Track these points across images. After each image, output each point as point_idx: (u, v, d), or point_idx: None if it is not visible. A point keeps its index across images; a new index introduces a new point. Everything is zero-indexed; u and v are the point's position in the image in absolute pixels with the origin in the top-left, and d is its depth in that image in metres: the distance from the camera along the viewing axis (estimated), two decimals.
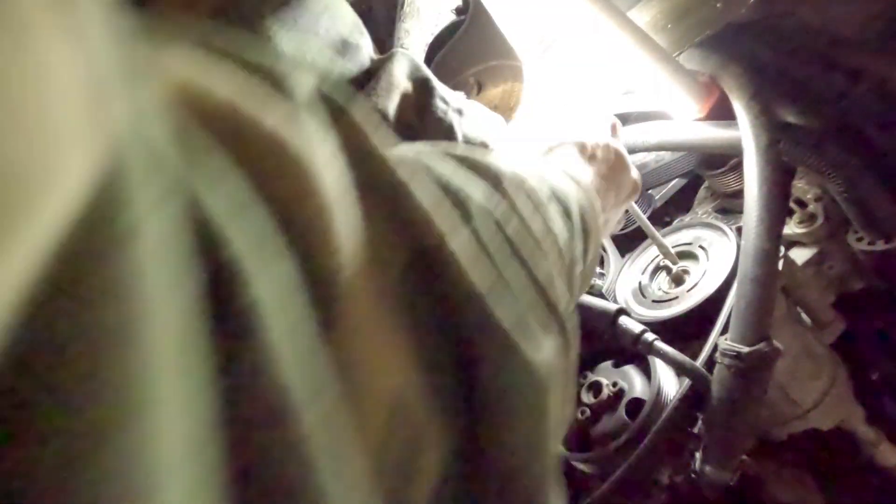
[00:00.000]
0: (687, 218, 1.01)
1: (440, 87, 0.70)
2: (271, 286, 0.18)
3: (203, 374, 0.16)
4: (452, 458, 0.26)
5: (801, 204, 0.85)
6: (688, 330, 0.81)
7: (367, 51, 0.67)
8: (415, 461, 0.24)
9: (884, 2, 0.74)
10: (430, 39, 1.08)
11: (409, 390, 0.24)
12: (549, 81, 1.06)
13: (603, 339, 0.87)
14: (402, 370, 0.24)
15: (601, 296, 0.89)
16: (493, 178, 0.36)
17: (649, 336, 0.74)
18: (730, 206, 0.95)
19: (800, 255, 0.84)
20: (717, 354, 0.70)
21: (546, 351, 0.29)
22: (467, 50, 0.95)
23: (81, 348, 0.13)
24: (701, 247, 0.88)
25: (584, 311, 0.81)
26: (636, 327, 0.76)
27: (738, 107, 0.78)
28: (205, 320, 0.16)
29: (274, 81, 0.23)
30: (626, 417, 0.78)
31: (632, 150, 1.03)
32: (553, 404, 0.30)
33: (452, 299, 0.26)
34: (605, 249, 1.04)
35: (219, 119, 0.20)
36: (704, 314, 0.79)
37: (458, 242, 0.27)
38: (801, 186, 0.86)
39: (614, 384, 0.81)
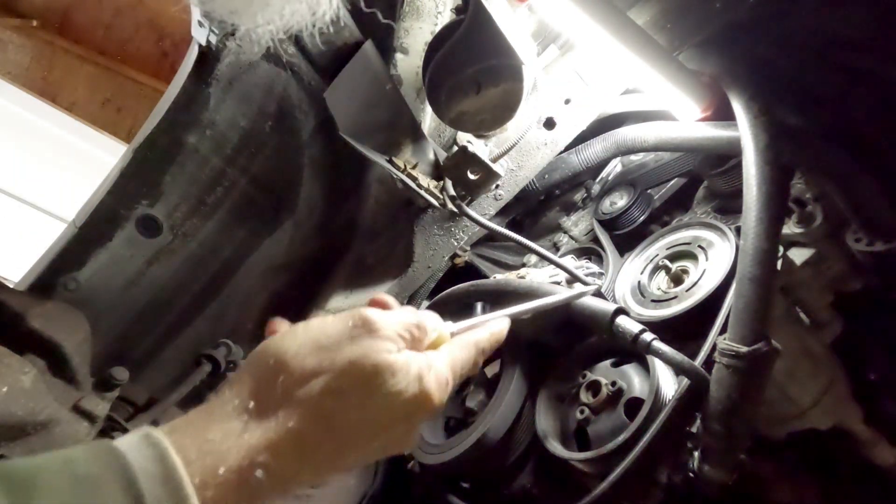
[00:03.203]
0: (686, 217, 1.01)
1: None
2: None
3: None
4: None
5: (800, 204, 0.85)
6: (686, 329, 0.81)
7: None
8: None
9: (883, 2, 0.74)
10: (430, 39, 1.08)
11: None
12: None
13: (602, 339, 0.88)
14: None
15: (600, 295, 0.89)
16: None
17: (648, 335, 0.74)
18: (729, 205, 0.95)
19: (798, 255, 0.84)
20: (716, 354, 0.70)
21: None
22: (467, 49, 0.95)
23: None
24: (700, 246, 0.88)
25: (583, 311, 0.81)
26: (635, 327, 0.76)
27: (738, 107, 0.78)
28: None
29: None
30: (624, 417, 0.78)
31: (631, 150, 1.03)
32: None
33: None
34: (603, 249, 1.04)
35: None
36: (703, 314, 0.79)
37: None
38: (800, 186, 0.86)
39: (613, 383, 0.81)
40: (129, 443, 0.43)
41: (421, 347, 0.56)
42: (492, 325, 0.63)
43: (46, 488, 0.38)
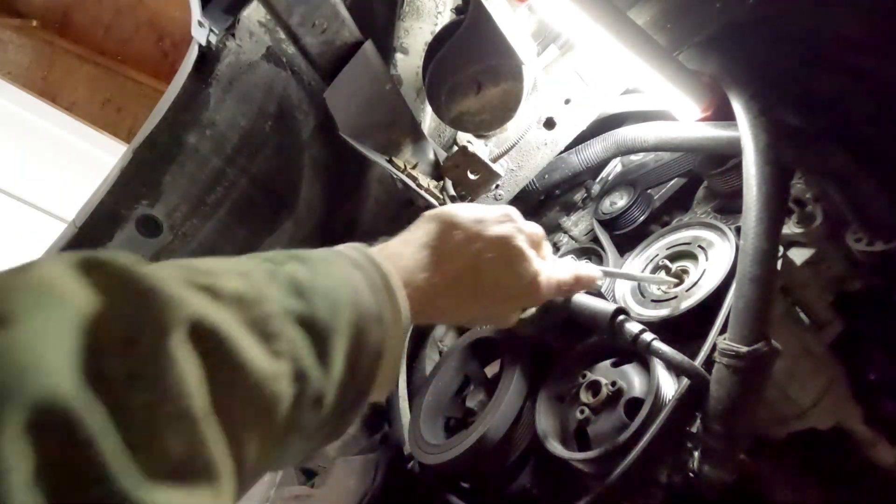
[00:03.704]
0: (686, 217, 1.01)
1: None
2: None
3: None
4: None
5: (800, 204, 0.85)
6: (686, 329, 0.81)
7: None
8: None
9: (883, 2, 0.74)
10: (430, 39, 1.08)
11: None
12: None
13: (602, 339, 0.88)
14: None
15: (600, 295, 0.89)
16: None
17: (648, 335, 0.74)
18: (729, 205, 0.95)
19: (798, 255, 0.84)
20: (716, 354, 0.70)
21: None
22: (467, 49, 0.95)
23: None
24: (700, 246, 0.88)
25: (583, 311, 0.81)
26: (635, 327, 0.76)
27: (738, 107, 0.78)
28: None
29: None
30: (624, 417, 0.78)
31: (631, 150, 1.03)
32: None
33: None
34: (603, 249, 1.04)
35: None
36: (703, 314, 0.79)
37: None
38: (800, 186, 0.86)
39: (613, 384, 0.81)
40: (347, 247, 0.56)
41: (538, 252, 0.70)
42: (589, 268, 0.77)
43: (314, 257, 0.51)
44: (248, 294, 0.41)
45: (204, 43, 1.08)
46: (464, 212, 0.65)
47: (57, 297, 0.32)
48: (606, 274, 0.78)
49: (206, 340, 0.37)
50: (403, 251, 0.60)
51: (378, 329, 0.51)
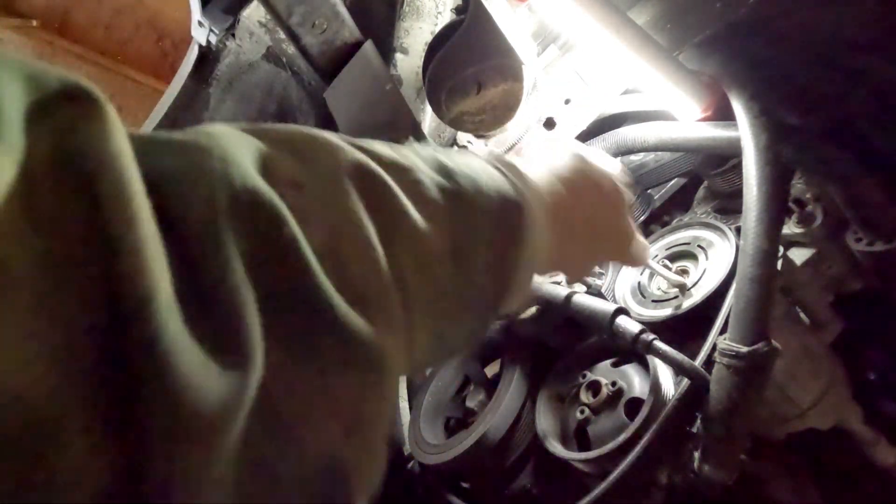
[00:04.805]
0: (686, 217, 1.01)
1: None
2: None
3: None
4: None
5: (800, 204, 0.85)
6: (687, 329, 0.81)
7: None
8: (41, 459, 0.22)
9: (884, 2, 0.74)
10: (430, 39, 1.08)
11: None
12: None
13: (602, 339, 0.88)
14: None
15: (600, 295, 0.89)
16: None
17: (648, 335, 0.74)
18: (729, 205, 0.95)
19: (799, 255, 0.84)
20: (716, 354, 0.70)
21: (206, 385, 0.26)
22: (467, 49, 0.95)
23: None
24: (700, 246, 0.88)
25: (583, 311, 0.81)
26: (635, 327, 0.76)
27: (738, 107, 0.78)
28: None
29: None
30: (624, 417, 0.78)
31: (631, 150, 1.03)
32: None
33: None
34: None
35: None
36: (703, 314, 0.79)
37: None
38: (800, 186, 0.86)
39: (613, 384, 0.81)
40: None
41: None
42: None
43: (449, 151, 0.51)
44: (399, 161, 0.43)
45: (204, 43, 1.08)
46: (593, 155, 0.68)
47: (238, 134, 0.35)
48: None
49: (370, 183, 0.38)
50: (532, 167, 0.60)
51: (519, 217, 0.51)
